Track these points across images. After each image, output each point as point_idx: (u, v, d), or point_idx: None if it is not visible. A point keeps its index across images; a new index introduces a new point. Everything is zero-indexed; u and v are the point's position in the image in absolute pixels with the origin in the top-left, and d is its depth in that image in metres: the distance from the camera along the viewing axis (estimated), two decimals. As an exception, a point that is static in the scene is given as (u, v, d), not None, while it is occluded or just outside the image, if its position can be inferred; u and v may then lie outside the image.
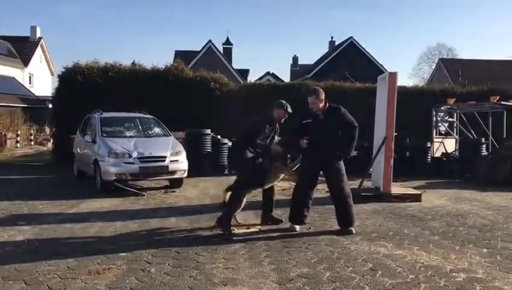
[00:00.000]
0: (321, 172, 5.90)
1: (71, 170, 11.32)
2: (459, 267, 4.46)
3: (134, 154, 8.95)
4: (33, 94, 32.24)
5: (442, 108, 14.13)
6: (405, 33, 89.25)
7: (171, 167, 9.19)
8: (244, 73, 35.60)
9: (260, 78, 32.79)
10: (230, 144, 12.40)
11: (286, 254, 4.87)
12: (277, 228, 5.95)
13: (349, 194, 5.83)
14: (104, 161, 8.90)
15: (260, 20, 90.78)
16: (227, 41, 35.61)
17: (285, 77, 41.68)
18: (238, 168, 6.51)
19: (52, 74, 39.92)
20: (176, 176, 9.42)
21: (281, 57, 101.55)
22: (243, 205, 5.83)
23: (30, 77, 37.53)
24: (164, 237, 5.63)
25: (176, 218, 6.69)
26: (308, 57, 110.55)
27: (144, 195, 8.74)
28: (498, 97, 13.39)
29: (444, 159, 13.06)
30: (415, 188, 9.56)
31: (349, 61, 30.14)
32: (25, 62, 36.77)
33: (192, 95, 14.01)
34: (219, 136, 12.59)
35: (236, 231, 5.74)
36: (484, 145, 12.87)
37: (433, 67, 44.94)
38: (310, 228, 6.02)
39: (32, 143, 22.70)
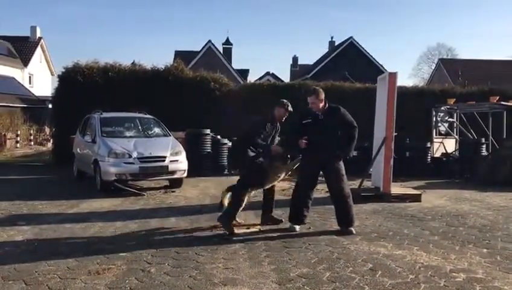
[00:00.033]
0: (321, 172, 5.90)
1: (71, 170, 11.31)
2: (459, 267, 4.46)
3: (134, 155, 8.95)
4: (33, 94, 32.22)
5: (442, 108, 14.14)
6: (405, 33, 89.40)
7: (171, 167, 9.19)
8: (244, 73, 35.62)
9: (260, 78, 32.84)
10: (230, 144, 12.40)
11: (286, 254, 4.87)
12: (277, 228, 5.95)
13: (349, 194, 5.83)
14: (104, 161, 8.91)
15: (260, 20, 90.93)
16: (227, 42, 35.64)
17: (285, 77, 41.80)
18: (240, 168, 6.50)
19: (52, 74, 39.91)
20: (175, 176, 9.43)
21: (281, 57, 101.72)
22: (244, 204, 5.83)
23: (30, 77, 37.51)
24: (164, 237, 5.63)
25: (176, 218, 6.69)
26: (308, 57, 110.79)
27: (144, 195, 8.74)
28: (498, 97, 13.40)
29: (444, 159, 13.07)
30: (414, 188, 9.56)
31: (349, 62, 30.15)
32: (25, 62, 36.75)
33: (192, 95, 14.01)
34: (219, 136, 12.60)
35: (236, 231, 5.74)
36: (484, 146, 12.86)
37: (433, 68, 44.95)
38: (309, 228, 6.02)
39: (32, 143, 22.70)
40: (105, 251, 4.92)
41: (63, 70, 14.59)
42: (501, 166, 10.97)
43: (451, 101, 13.63)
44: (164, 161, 9.16)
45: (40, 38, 39.34)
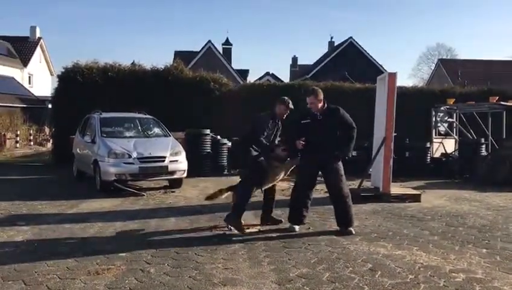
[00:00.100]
0: (320, 172, 5.90)
1: (71, 170, 11.31)
2: (458, 267, 4.47)
3: (134, 155, 8.95)
4: (32, 94, 32.21)
5: (442, 108, 14.14)
6: (405, 33, 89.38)
7: (171, 167, 9.19)
8: (243, 73, 35.63)
9: (260, 79, 32.82)
10: (229, 144, 12.42)
11: (285, 254, 4.87)
12: (276, 228, 5.95)
13: (348, 195, 5.83)
14: (104, 161, 8.91)
15: (260, 20, 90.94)
16: (227, 42, 35.65)
17: (285, 77, 41.75)
18: (241, 167, 6.48)
19: (51, 74, 39.92)
20: (175, 176, 9.43)
21: (281, 57, 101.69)
22: (247, 202, 5.83)
23: (29, 77, 37.51)
24: (163, 237, 5.63)
25: (176, 218, 6.69)
26: (308, 57, 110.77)
27: (144, 195, 8.74)
28: (497, 97, 13.39)
29: (444, 159, 13.07)
30: (414, 188, 9.56)
31: (349, 62, 30.12)
32: (25, 62, 36.75)
33: (192, 95, 14.00)
34: (219, 137, 12.60)
35: (246, 230, 5.74)
36: (483, 146, 12.86)
37: (433, 68, 44.98)
38: (309, 228, 6.02)
39: (32, 143, 22.69)
40: (104, 251, 4.92)
41: (63, 70, 14.57)
42: (500, 166, 10.97)
43: (451, 101, 13.63)
44: (164, 161, 9.16)
45: (39, 38, 39.35)
